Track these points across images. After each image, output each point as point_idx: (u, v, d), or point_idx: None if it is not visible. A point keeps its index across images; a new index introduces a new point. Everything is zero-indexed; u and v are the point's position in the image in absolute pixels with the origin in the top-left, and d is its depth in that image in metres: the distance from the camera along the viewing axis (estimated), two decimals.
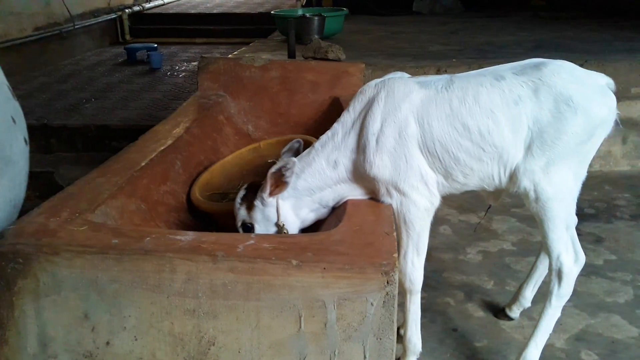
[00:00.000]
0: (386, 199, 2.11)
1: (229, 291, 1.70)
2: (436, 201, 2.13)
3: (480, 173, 2.06)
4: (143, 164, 2.62)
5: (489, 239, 3.43)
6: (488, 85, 2.02)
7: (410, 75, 2.24)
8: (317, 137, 3.70)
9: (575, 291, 2.53)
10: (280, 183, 2.10)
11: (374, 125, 2.05)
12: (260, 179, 3.21)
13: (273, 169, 2.08)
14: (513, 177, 2.04)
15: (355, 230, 1.89)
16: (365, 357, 1.72)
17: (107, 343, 1.79)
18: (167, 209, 2.69)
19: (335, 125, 2.17)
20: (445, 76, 2.12)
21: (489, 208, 2.49)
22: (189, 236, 1.82)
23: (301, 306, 1.69)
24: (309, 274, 1.66)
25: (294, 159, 2.12)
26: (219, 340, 1.75)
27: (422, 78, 2.14)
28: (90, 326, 1.78)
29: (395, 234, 1.87)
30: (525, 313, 2.64)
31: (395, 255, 1.70)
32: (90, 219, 1.99)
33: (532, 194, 2.01)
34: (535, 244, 3.30)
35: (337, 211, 2.19)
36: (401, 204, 2.10)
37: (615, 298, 2.82)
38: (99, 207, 2.11)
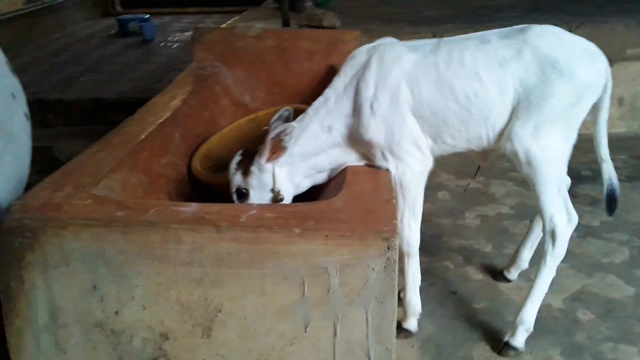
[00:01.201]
0: (382, 163, 2.15)
1: (234, 260, 1.74)
2: (429, 164, 2.17)
3: (468, 134, 2.10)
4: (143, 137, 2.63)
5: (487, 203, 3.47)
6: (473, 48, 2.04)
7: (398, 41, 2.26)
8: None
9: (571, 252, 2.59)
10: (278, 148, 2.11)
11: (367, 91, 2.08)
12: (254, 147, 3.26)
13: (272, 134, 2.10)
14: (503, 139, 2.07)
15: (356, 198, 1.92)
16: (367, 320, 1.77)
17: (116, 312, 1.83)
18: (168, 180, 2.71)
19: (327, 90, 2.20)
20: (433, 40, 2.16)
21: (478, 169, 2.53)
22: (192, 207, 1.85)
23: (304, 273, 1.73)
24: (311, 242, 1.70)
25: (293, 124, 2.14)
26: (225, 308, 1.80)
27: (412, 42, 2.17)
28: (99, 297, 1.82)
29: (394, 201, 1.90)
30: (523, 275, 2.70)
31: (396, 221, 1.73)
32: (94, 192, 2.02)
33: (522, 158, 2.04)
34: (532, 207, 3.32)
35: (337, 179, 2.22)
36: (397, 167, 2.13)
37: (612, 258, 2.87)
38: (101, 181, 2.13)
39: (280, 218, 1.76)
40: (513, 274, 2.70)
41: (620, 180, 3.67)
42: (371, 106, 2.07)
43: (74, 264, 1.80)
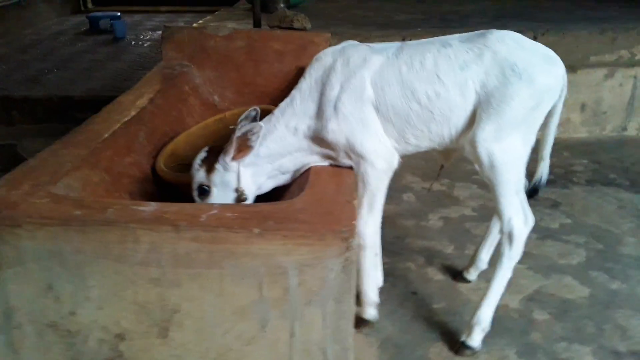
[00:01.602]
0: (345, 161, 2.18)
1: (192, 260, 1.74)
2: (394, 161, 2.19)
3: (430, 134, 2.14)
4: (106, 135, 2.61)
5: (450, 205, 3.53)
6: (435, 51, 2.09)
7: (363, 44, 2.29)
8: None
9: (530, 254, 2.66)
10: (244, 147, 2.12)
11: (331, 92, 2.11)
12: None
13: (239, 133, 2.10)
14: (465, 141, 2.11)
15: (318, 199, 1.93)
16: (325, 320, 1.79)
17: (72, 313, 1.82)
18: (132, 180, 2.69)
19: (293, 92, 2.22)
20: (397, 43, 2.19)
21: (441, 168, 2.57)
22: (151, 207, 1.84)
23: (263, 273, 1.74)
24: (271, 242, 1.71)
25: (260, 123, 2.15)
26: (183, 308, 1.80)
27: (376, 45, 2.20)
28: (54, 297, 1.80)
29: (355, 202, 1.92)
30: (482, 275, 2.75)
31: (355, 222, 1.75)
32: (52, 191, 2.00)
33: (485, 160, 2.08)
34: (494, 209, 3.40)
35: (300, 180, 2.23)
36: (359, 166, 2.16)
37: (568, 260, 2.94)
38: (61, 180, 2.11)
39: (240, 218, 1.77)
40: (472, 275, 2.75)
41: (580, 184, 3.81)
42: (335, 107, 2.09)
43: (29, 263, 1.77)
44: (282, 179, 2.26)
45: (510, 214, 2.15)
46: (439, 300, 2.64)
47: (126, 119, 2.86)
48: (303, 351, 1.83)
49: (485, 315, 2.27)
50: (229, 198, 2.17)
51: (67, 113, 5.41)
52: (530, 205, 2.26)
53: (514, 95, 2.00)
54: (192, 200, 2.70)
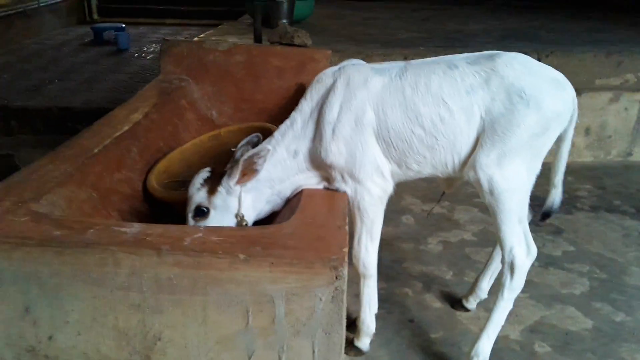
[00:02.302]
0: (340, 186, 2.11)
1: (175, 286, 1.66)
2: (389, 189, 2.13)
3: (433, 161, 2.06)
4: (96, 150, 2.55)
5: (450, 229, 3.44)
6: (441, 73, 2.01)
7: (365, 63, 2.22)
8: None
9: (531, 282, 2.57)
10: (250, 171, 2.05)
11: (330, 114, 2.03)
12: (220, 167, 3.18)
13: (246, 156, 2.02)
14: (467, 167, 2.03)
15: (307, 223, 1.86)
16: (314, 352, 1.70)
17: (50, 337, 1.74)
18: (121, 197, 2.62)
19: (293, 114, 2.14)
20: (400, 63, 2.11)
21: (443, 194, 2.49)
22: (134, 228, 1.77)
23: (249, 301, 1.65)
24: (257, 269, 1.63)
25: (268, 147, 2.08)
26: (165, 335, 1.71)
27: (378, 65, 2.13)
28: (31, 320, 1.72)
29: (347, 227, 1.84)
30: (481, 304, 2.66)
31: (346, 249, 1.67)
32: (35, 209, 1.92)
33: (485, 186, 2.00)
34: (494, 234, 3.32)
35: (292, 203, 2.15)
36: (355, 191, 2.09)
37: (571, 289, 2.85)
38: (44, 196, 2.04)
39: (226, 242, 1.69)
40: (472, 304, 2.65)
41: (583, 209, 3.72)
42: (333, 130, 2.02)
43: (5, 285, 1.70)
44: (278, 204, 2.19)
45: (512, 244, 2.06)
46: (436, 330, 2.54)
47: (118, 133, 2.80)
48: None
49: (483, 347, 2.17)
50: (226, 222, 2.08)
51: (66, 124, 5.37)
52: (533, 231, 2.17)
53: (520, 122, 1.92)
54: (184, 219, 2.64)
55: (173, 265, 1.64)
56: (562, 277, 2.95)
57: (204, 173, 2.16)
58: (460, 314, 2.65)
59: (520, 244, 2.08)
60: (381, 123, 2.02)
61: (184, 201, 2.58)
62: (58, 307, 1.70)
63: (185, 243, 1.68)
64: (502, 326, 2.19)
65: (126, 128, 2.88)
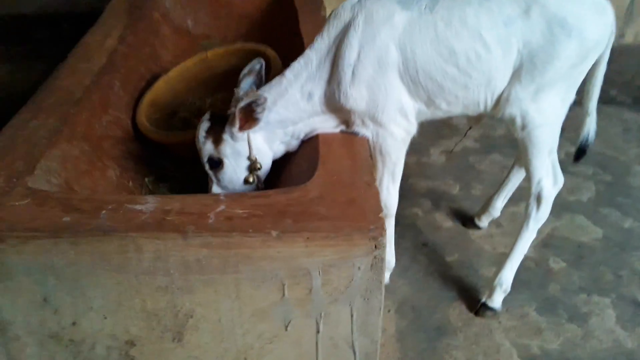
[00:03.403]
0: (360, 130, 1.97)
1: (204, 266, 1.56)
2: (413, 130, 2.00)
3: (465, 100, 1.92)
4: (79, 95, 2.32)
5: (451, 136, 3.35)
6: (476, 4, 1.80)
7: None
8: (268, 35, 3.41)
9: None
10: (250, 119, 1.89)
11: (350, 55, 1.83)
12: (208, 93, 2.96)
13: (242, 104, 1.86)
14: (499, 103, 1.90)
15: (333, 181, 1.73)
16: (352, 316, 1.67)
17: (74, 323, 1.66)
18: (113, 142, 2.43)
19: (307, 52, 1.92)
20: None
21: (469, 129, 2.37)
22: (150, 204, 1.63)
23: (284, 275, 1.58)
24: (291, 245, 1.53)
25: (265, 95, 1.90)
26: (197, 312, 1.65)
27: None
28: (52, 309, 1.63)
29: (376, 183, 1.74)
30: (493, 220, 2.64)
31: (382, 215, 1.58)
32: (32, 184, 1.76)
33: (518, 122, 1.89)
34: (497, 138, 3.25)
35: (307, 151, 2.01)
36: (377, 135, 1.96)
37: (578, 196, 2.85)
38: (38, 164, 1.86)
39: (253, 216, 1.58)
40: (484, 222, 2.64)
41: (581, 103, 3.63)
42: (353, 72, 1.83)
43: (18, 277, 1.58)
44: (293, 145, 2.04)
45: (541, 175, 2.00)
46: (451, 252, 2.54)
47: (97, 68, 2.54)
48: (330, 346, 1.72)
49: (507, 276, 2.18)
50: (243, 167, 1.97)
51: (22, 33, 4.93)
52: None
53: (560, 53, 1.77)
54: (182, 160, 2.49)
55: (201, 247, 1.53)
56: (568, 182, 2.89)
57: (204, 123, 1.99)
58: (472, 233, 2.65)
59: (548, 175, 2.01)
60: (408, 62, 1.83)
61: (182, 143, 2.42)
62: (79, 295, 1.61)
63: (210, 221, 1.56)
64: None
65: (104, 60, 2.62)
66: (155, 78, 2.97)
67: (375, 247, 1.55)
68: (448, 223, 2.72)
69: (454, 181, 2.99)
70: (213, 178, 2.03)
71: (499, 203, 2.56)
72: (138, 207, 1.62)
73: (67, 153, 2.08)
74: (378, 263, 1.58)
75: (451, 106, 1.94)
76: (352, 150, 1.91)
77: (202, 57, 2.94)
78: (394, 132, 1.95)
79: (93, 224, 1.55)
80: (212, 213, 1.59)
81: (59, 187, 1.92)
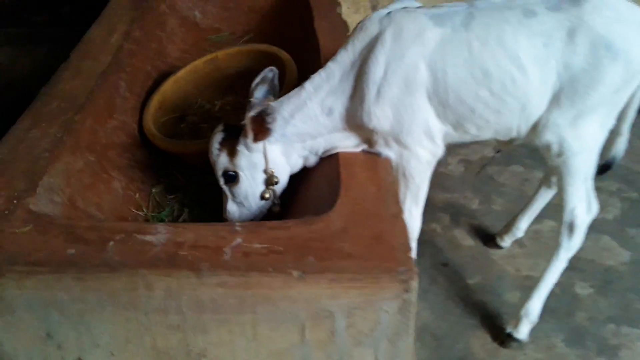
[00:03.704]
0: (383, 150, 1.84)
1: (219, 305, 1.45)
2: (440, 153, 1.88)
3: (497, 126, 1.78)
4: (82, 100, 2.19)
5: (469, 144, 3.21)
6: (515, 22, 1.66)
7: (419, 4, 1.83)
8: (279, 30, 3.25)
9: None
10: (263, 129, 1.78)
11: (375, 72, 1.70)
12: (218, 95, 2.82)
13: (252, 113, 1.76)
14: (534, 129, 1.77)
15: (357, 210, 1.61)
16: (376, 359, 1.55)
17: (79, 359, 1.55)
18: (119, 150, 2.31)
19: (330, 64, 1.79)
20: (463, 7, 1.73)
21: (498, 152, 2.24)
22: (161, 235, 1.51)
23: (304, 317, 1.46)
24: (313, 286, 1.42)
25: (273, 105, 1.79)
26: (211, 352, 1.54)
27: (436, 10, 1.73)
28: (55, 345, 1.53)
29: (403, 215, 1.61)
30: (515, 240, 2.52)
31: (413, 254, 1.46)
32: (33, 205, 1.64)
33: (555, 149, 1.77)
34: (517, 148, 3.11)
35: (326, 170, 1.88)
36: (401, 156, 1.84)
37: (604, 214, 2.71)
38: (40, 182, 1.74)
39: (272, 252, 1.46)
40: (506, 242, 2.52)
41: None
42: (378, 90, 1.70)
43: (19, 312, 1.48)
44: (311, 160, 1.91)
45: (575, 204, 1.88)
46: (472, 274, 2.42)
47: (101, 68, 2.40)
48: None
49: (534, 307, 2.06)
50: (259, 181, 1.87)
51: (22, 16, 4.80)
52: None
53: (605, 78, 1.63)
54: (193, 169, 2.36)
55: (216, 286, 1.42)
56: None
57: (218, 135, 1.87)
58: (493, 253, 2.53)
59: (581, 203, 1.89)
60: (438, 83, 1.70)
61: (189, 152, 2.30)
62: (84, 331, 1.50)
63: (225, 257, 1.44)
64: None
65: (109, 59, 2.49)
66: (162, 76, 2.83)
67: (405, 290, 1.43)
68: (468, 241, 2.60)
69: (473, 194, 2.86)
70: (228, 194, 1.92)
71: (523, 224, 2.43)
72: (148, 238, 1.50)
73: (71, 166, 1.96)
74: (407, 306, 1.46)
75: (481, 131, 1.81)
76: (376, 174, 1.78)
77: (212, 57, 2.80)
78: (419, 155, 1.83)
79: (100, 259, 1.43)
80: (228, 247, 1.47)
81: (62, 206, 1.81)
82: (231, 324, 1.48)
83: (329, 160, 1.91)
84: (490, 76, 1.67)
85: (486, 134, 1.83)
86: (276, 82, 1.97)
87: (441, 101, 1.73)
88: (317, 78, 1.80)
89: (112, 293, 1.43)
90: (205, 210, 2.22)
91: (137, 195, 2.24)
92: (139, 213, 2.16)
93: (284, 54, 2.53)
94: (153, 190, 2.32)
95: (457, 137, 1.85)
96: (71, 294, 1.43)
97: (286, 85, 2.30)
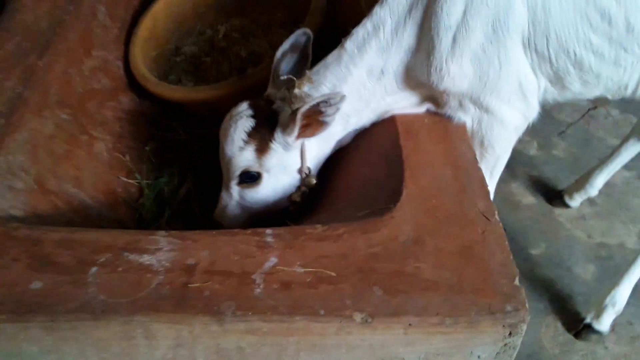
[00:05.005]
0: (455, 113, 1.38)
1: (248, 354, 1.04)
2: (534, 114, 1.44)
3: (610, 82, 1.33)
4: (49, 35, 1.67)
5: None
6: None
7: None
8: None
9: None
10: (316, 123, 1.33)
11: (449, 12, 1.22)
12: (221, 18, 2.26)
13: (307, 107, 1.27)
14: None
15: (431, 207, 1.18)
16: None
17: None
18: (101, 99, 1.83)
19: (377, 10, 1.28)
20: None
21: (593, 109, 1.78)
22: (163, 253, 1.09)
23: None
24: (384, 333, 1.01)
25: (343, 93, 1.28)
26: None
27: None
28: None
29: (496, 216, 1.18)
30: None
31: (518, 284, 1.04)
32: None
33: None
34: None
35: (380, 141, 1.41)
36: (480, 122, 1.40)
37: None
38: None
39: (321, 280, 1.04)
40: (576, 201, 2.10)
41: None
42: (454, 37, 1.22)
43: None
44: (346, 139, 1.46)
45: None
46: (535, 241, 2.03)
47: None
48: None
49: (622, 295, 1.71)
50: (286, 184, 1.43)
51: None
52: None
53: None
54: (196, 118, 1.89)
55: (244, 333, 1.01)
56: None
57: (244, 121, 1.37)
58: (559, 213, 2.12)
59: None
60: (537, 27, 1.23)
61: (190, 100, 1.82)
62: None
63: (257, 291, 1.02)
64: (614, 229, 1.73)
65: None
66: None
67: (510, 334, 1.03)
68: (528, 198, 2.18)
69: (531, 136, 2.41)
70: (235, 195, 1.45)
71: (600, 181, 2.01)
72: (146, 259, 1.08)
73: (37, 134, 1.50)
74: (508, 351, 1.07)
75: (587, 87, 1.36)
76: (451, 149, 1.33)
77: None
78: (505, 118, 1.38)
79: (78, 300, 1.01)
80: (258, 274, 1.05)
81: (25, 194, 1.36)
82: None
83: (382, 125, 1.44)
84: (609, 18, 1.22)
85: (592, 92, 1.38)
86: (310, 50, 1.47)
87: (538, 50, 1.27)
88: (361, 32, 1.32)
89: (99, 343, 1.02)
90: (212, 172, 1.77)
91: (127, 156, 1.78)
92: (131, 182, 1.72)
93: None
94: (147, 148, 1.85)
95: (555, 94, 1.40)
96: (41, 345, 1.02)
97: (311, 13, 1.77)
